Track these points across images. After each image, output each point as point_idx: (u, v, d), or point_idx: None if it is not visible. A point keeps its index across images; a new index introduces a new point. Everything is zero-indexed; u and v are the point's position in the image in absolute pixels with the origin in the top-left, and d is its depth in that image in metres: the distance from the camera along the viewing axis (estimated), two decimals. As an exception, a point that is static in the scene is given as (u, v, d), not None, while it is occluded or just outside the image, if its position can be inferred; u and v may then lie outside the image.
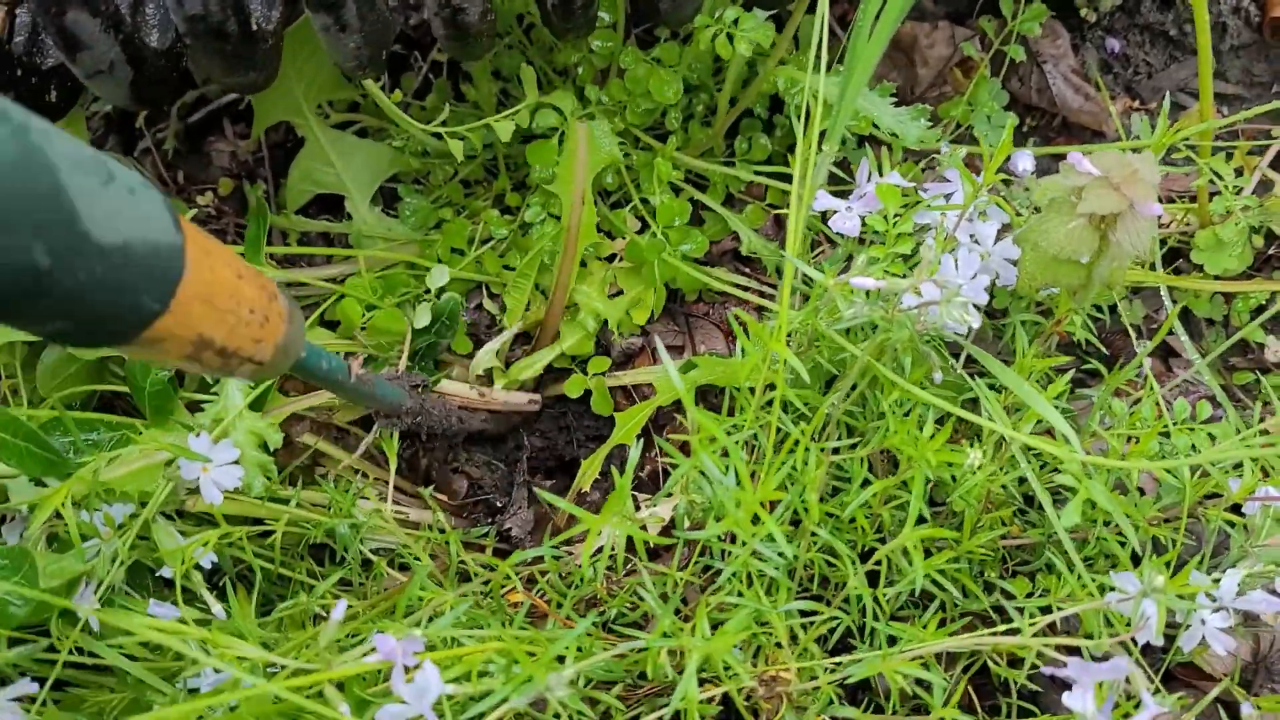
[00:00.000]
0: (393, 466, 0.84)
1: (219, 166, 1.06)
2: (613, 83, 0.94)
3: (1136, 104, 1.07)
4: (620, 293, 0.97)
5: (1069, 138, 1.07)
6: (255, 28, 0.69)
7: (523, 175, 1.01)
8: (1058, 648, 0.66)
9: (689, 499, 0.72)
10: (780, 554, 0.69)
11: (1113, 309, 1.00)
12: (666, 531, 0.82)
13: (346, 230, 0.99)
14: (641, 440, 0.92)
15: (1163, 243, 0.97)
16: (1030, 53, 1.04)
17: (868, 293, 0.64)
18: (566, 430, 1.00)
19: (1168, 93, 0.86)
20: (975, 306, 0.63)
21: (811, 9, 0.83)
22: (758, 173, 0.98)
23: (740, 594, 0.69)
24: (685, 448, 0.88)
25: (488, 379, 0.95)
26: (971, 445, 0.69)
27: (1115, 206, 0.67)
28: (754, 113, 0.99)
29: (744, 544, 0.66)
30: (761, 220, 0.99)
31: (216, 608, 0.68)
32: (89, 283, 0.40)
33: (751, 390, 0.71)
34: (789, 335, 0.71)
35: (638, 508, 0.87)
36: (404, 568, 0.77)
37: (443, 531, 0.79)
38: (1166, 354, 0.99)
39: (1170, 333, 0.94)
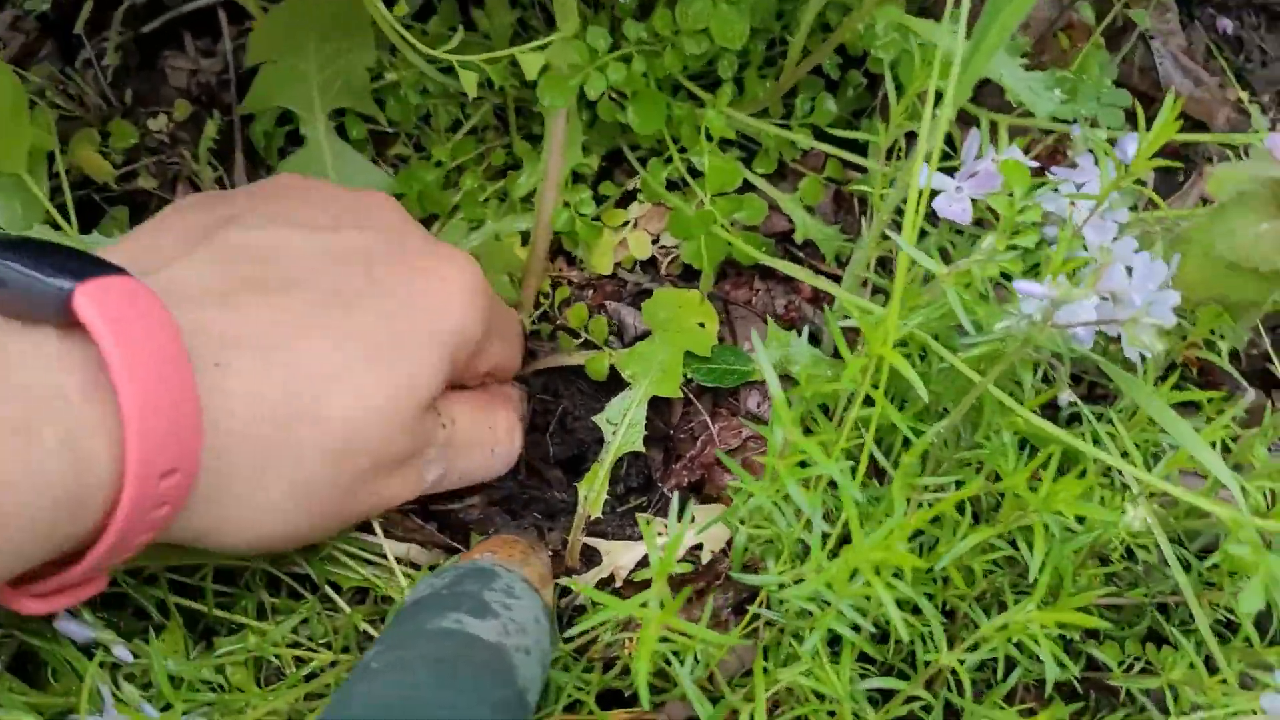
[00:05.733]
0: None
1: (175, 87, 0.88)
2: (660, 13, 0.78)
3: (1248, 95, 0.93)
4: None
5: (1169, 127, 0.93)
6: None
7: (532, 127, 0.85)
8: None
9: (749, 530, 0.58)
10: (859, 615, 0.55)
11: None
12: (709, 569, 0.67)
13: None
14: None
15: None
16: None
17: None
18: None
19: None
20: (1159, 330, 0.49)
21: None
22: (821, 138, 0.82)
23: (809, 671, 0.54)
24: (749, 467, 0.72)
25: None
26: (1124, 498, 0.55)
27: (1327, 209, 0.53)
28: (822, 69, 0.83)
29: (828, 606, 0.52)
30: (819, 196, 0.84)
31: (120, 649, 0.53)
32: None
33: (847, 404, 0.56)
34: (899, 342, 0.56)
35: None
36: (386, 599, 0.61)
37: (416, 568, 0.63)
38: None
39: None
